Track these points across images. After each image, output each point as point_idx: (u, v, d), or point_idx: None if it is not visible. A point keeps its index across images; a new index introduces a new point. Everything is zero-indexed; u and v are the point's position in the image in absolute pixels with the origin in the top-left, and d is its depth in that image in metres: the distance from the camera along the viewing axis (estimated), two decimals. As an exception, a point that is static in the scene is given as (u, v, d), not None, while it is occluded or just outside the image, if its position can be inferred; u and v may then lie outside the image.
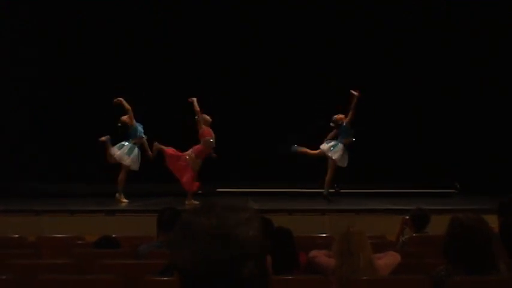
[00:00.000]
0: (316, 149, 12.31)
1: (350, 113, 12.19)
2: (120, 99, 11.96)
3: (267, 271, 1.59)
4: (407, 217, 6.83)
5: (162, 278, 4.06)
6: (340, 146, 12.32)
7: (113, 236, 6.05)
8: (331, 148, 12.32)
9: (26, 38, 15.03)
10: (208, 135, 11.99)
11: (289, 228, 4.81)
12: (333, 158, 12.21)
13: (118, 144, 12.03)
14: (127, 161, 11.91)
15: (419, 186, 13.70)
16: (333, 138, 12.45)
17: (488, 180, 13.88)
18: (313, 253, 4.87)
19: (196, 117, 11.96)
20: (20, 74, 14.93)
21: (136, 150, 11.99)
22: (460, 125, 14.79)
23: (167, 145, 12.25)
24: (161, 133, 13.01)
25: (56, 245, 6.49)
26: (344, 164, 12.35)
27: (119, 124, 11.97)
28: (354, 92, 12.15)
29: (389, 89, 15.10)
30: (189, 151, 11.96)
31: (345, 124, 12.30)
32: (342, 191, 13.80)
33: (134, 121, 11.99)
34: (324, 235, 6.70)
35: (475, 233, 3.83)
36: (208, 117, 12.06)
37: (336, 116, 12.36)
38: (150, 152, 12.12)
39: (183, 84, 14.79)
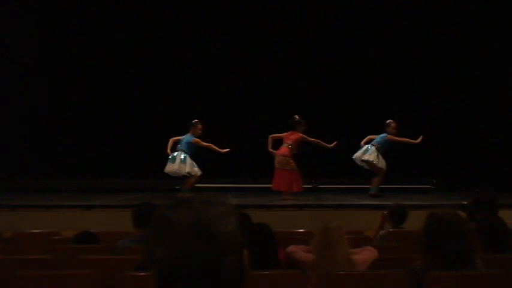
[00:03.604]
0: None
1: (401, 139, 12.40)
2: None
3: (245, 266, 1.60)
4: (385, 212, 6.89)
5: (141, 274, 4.04)
6: (373, 148, 12.44)
7: (92, 231, 6.03)
8: (364, 151, 12.47)
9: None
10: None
11: (268, 224, 4.81)
12: (368, 159, 12.36)
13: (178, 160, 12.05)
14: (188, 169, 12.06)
15: (397, 182, 13.78)
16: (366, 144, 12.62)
17: (465, 177, 14.01)
18: (291, 248, 4.87)
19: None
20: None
21: (185, 156, 12.03)
22: (437, 123, 14.91)
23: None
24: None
25: (32, 241, 6.45)
26: (384, 164, 12.46)
27: None
28: (417, 140, 12.33)
29: (373, 88, 15.22)
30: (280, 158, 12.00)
31: (388, 136, 12.44)
32: (320, 186, 13.86)
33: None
34: (303, 230, 6.72)
35: (451, 228, 3.85)
36: None
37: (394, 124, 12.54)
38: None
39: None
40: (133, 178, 14.52)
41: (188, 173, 12.02)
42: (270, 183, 12.07)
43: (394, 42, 15.44)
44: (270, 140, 12.13)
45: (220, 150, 12.11)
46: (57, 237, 6.52)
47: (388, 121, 12.55)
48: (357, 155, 12.50)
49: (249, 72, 15.42)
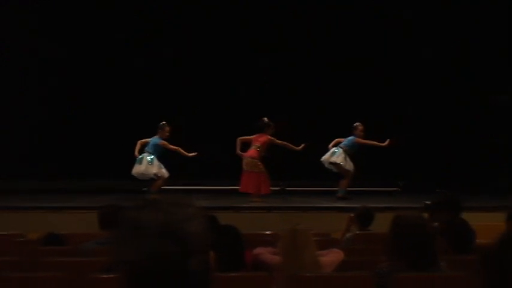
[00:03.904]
0: None
1: (369, 141, 12.50)
2: None
3: (211, 267, 1.60)
4: (352, 215, 6.93)
5: (108, 276, 4.02)
6: (341, 150, 12.49)
7: (58, 233, 5.97)
8: (332, 153, 12.52)
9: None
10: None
11: (236, 226, 4.80)
12: (335, 161, 12.42)
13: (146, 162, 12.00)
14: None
15: (364, 184, 13.82)
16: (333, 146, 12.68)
17: (431, 179, 14.12)
18: (258, 250, 4.87)
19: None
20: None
21: (153, 157, 11.99)
22: (405, 126, 15.00)
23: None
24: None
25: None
26: (351, 166, 12.52)
27: None
28: (384, 143, 12.45)
29: (337, 90, 15.28)
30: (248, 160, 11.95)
31: (355, 139, 12.51)
32: (288, 188, 13.87)
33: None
34: (270, 232, 6.73)
35: (416, 230, 3.89)
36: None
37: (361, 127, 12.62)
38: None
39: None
40: (100, 179, 14.36)
41: (155, 174, 11.97)
42: (238, 186, 12.06)
43: (362, 46, 15.52)
44: (238, 142, 12.11)
45: (187, 154, 12.08)
46: (22, 239, 6.44)
47: (355, 124, 12.65)
48: (325, 157, 12.56)
49: (216, 76, 15.40)
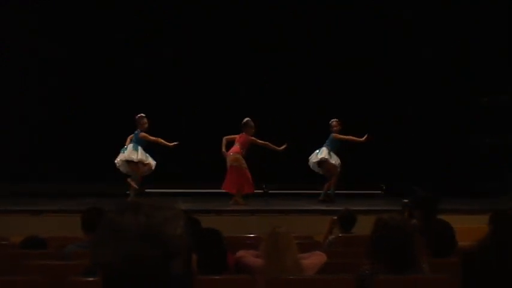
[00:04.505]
0: None
1: (346, 137, 12.56)
2: None
3: (193, 269, 1.60)
4: (335, 217, 6.92)
5: (88, 279, 4.02)
6: (323, 148, 12.55)
7: (40, 236, 5.95)
8: (317, 154, 12.58)
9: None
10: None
11: (218, 229, 4.80)
12: (321, 157, 12.47)
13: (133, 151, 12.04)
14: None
15: (346, 187, 13.78)
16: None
17: (413, 182, 14.09)
18: (240, 253, 4.89)
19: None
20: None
21: (137, 146, 12.05)
22: (387, 129, 14.97)
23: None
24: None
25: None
26: (337, 161, 12.57)
27: None
28: (362, 139, 12.51)
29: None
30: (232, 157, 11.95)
31: (333, 135, 12.57)
32: (271, 191, 13.87)
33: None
34: (253, 235, 6.74)
35: (398, 233, 3.89)
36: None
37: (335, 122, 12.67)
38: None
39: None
40: (83, 182, 14.29)
41: (140, 160, 11.93)
42: (219, 189, 12.05)
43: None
44: (223, 141, 12.11)
45: (168, 144, 12.04)
46: (4, 243, 6.43)
47: (330, 121, 12.70)
48: (311, 161, 12.60)
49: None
